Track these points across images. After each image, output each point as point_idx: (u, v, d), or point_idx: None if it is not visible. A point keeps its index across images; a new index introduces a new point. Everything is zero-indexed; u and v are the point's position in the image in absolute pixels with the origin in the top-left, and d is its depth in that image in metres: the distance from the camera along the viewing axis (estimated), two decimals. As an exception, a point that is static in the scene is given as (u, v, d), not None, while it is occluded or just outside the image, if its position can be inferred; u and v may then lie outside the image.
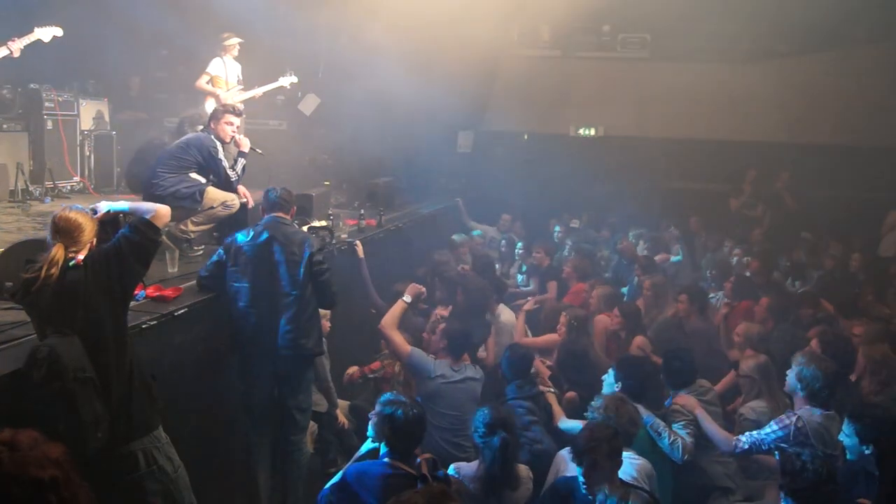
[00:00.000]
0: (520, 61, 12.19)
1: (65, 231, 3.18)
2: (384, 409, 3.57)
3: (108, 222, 3.42)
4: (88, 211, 3.36)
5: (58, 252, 3.14)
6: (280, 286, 4.71)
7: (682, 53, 11.68)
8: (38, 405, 2.98)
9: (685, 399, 4.53)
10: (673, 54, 11.79)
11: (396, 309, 5.20)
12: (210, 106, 8.02)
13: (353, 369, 5.79)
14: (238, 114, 5.93)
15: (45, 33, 6.41)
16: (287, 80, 8.52)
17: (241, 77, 8.28)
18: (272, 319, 4.71)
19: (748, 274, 7.49)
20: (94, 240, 3.28)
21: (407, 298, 5.29)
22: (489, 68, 11.85)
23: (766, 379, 4.68)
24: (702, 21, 10.93)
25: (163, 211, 3.46)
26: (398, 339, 5.01)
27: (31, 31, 6.35)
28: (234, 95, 8.05)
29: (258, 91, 8.33)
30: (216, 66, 8.05)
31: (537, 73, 11.98)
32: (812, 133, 11.01)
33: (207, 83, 8.00)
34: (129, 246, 3.26)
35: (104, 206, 3.49)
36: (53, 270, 3.09)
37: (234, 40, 8.14)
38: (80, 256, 3.18)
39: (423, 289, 5.46)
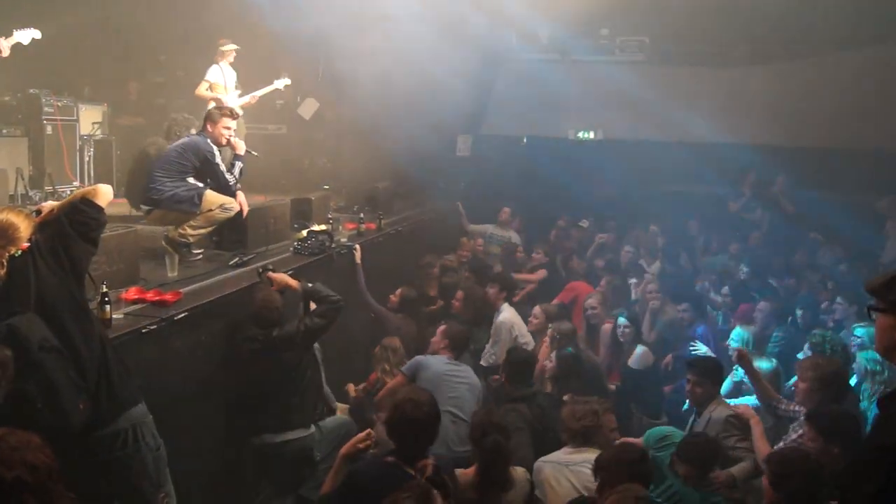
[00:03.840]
0: (518, 64, 12.20)
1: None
2: (400, 407, 3.44)
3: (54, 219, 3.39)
4: (33, 212, 3.39)
5: None
6: None
7: (681, 56, 11.70)
8: (11, 391, 2.91)
9: (743, 408, 4.25)
10: (671, 57, 11.79)
11: None
12: None
13: (349, 387, 5.79)
14: (235, 117, 5.93)
15: (25, 36, 6.31)
16: (282, 83, 8.65)
17: (237, 82, 8.36)
18: None
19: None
20: (35, 237, 3.25)
21: None
22: (488, 72, 11.87)
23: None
24: (700, 24, 10.95)
25: (103, 189, 3.49)
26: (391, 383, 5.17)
27: (11, 34, 6.26)
28: (234, 100, 8.11)
29: (255, 95, 8.43)
30: (214, 73, 8.12)
31: (536, 76, 11.97)
32: (810, 135, 11.01)
33: (207, 90, 8.05)
34: (70, 223, 3.29)
35: (48, 205, 3.50)
36: None
37: (231, 47, 8.25)
38: (24, 244, 3.18)
39: None
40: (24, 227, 3.18)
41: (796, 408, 4.17)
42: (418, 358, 5.16)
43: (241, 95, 8.38)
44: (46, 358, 2.99)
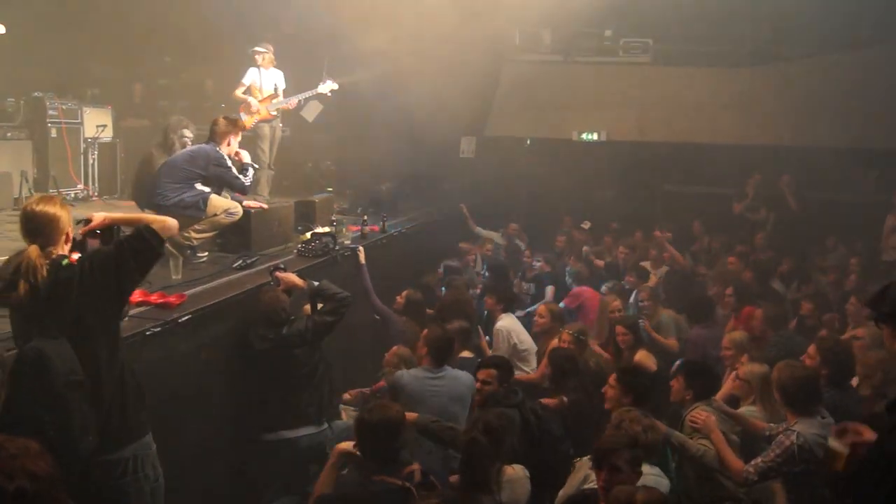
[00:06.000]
0: (522, 66, 12.19)
1: (35, 230, 3.05)
2: (361, 418, 3.56)
3: (104, 232, 3.31)
4: (82, 222, 3.30)
5: (32, 256, 2.99)
6: None
7: (684, 57, 11.71)
8: (26, 410, 2.87)
9: (705, 418, 4.26)
10: (675, 58, 11.80)
11: None
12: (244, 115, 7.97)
13: (347, 396, 5.77)
14: (246, 129, 5.99)
15: None
16: (327, 87, 8.43)
17: (278, 85, 8.27)
18: None
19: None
20: (70, 230, 3.15)
21: None
22: (491, 73, 11.87)
23: (763, 387, 4.64)
24: (703, 25, 10.95)
25: (170, 223, 3.36)
26: None
27: None
28: (269, 104, 8.07)
29: (294, 99, 8.34)
30: (250, 76, 8.10)
31: (539, 77, 11.98)
32: (814, 136, 10.98)
33: (243, 93, 8.03)
34: (131, 251, 3.16)
35: (100, 216, 3.35)
36: (33, 279, 2.96)
37: (257, 48, 8.15)
38: (74, 256, 3.10)
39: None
40: (63, 219, 3.08)
41: (783, 428, 4.15)
42: (395, 377, 4.94)
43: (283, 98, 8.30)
44: (69, 395, 2.91)
